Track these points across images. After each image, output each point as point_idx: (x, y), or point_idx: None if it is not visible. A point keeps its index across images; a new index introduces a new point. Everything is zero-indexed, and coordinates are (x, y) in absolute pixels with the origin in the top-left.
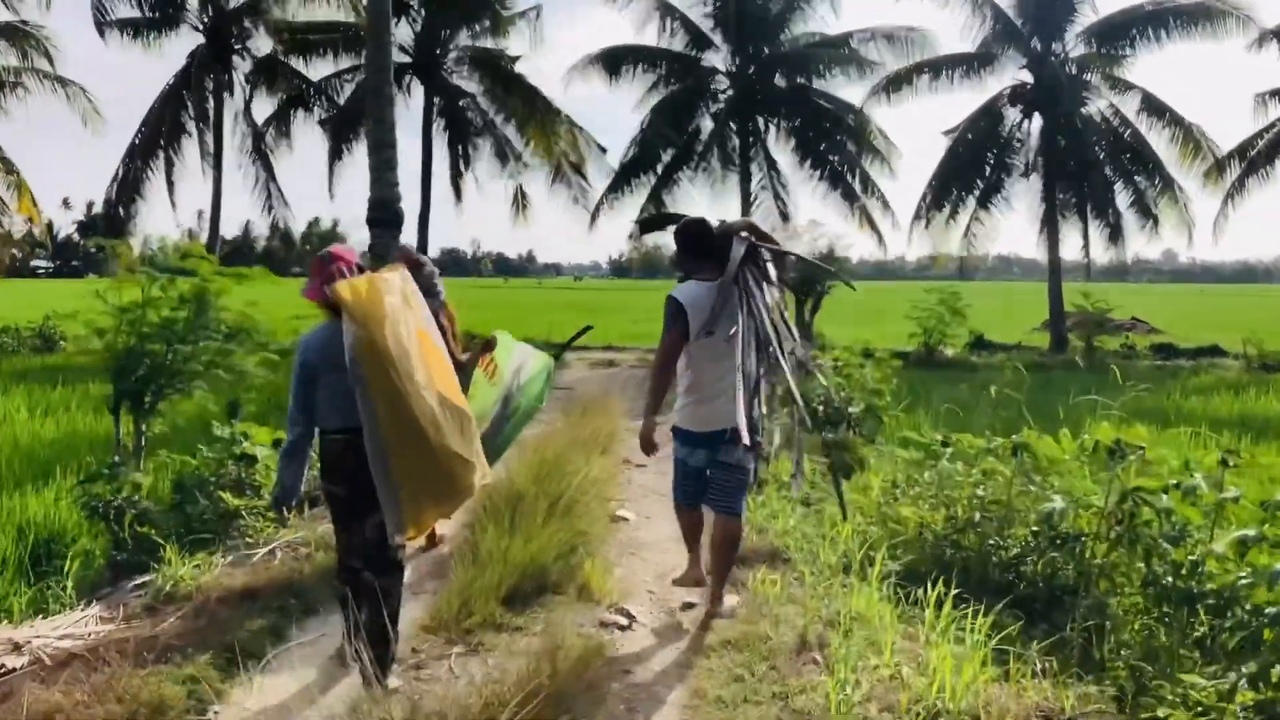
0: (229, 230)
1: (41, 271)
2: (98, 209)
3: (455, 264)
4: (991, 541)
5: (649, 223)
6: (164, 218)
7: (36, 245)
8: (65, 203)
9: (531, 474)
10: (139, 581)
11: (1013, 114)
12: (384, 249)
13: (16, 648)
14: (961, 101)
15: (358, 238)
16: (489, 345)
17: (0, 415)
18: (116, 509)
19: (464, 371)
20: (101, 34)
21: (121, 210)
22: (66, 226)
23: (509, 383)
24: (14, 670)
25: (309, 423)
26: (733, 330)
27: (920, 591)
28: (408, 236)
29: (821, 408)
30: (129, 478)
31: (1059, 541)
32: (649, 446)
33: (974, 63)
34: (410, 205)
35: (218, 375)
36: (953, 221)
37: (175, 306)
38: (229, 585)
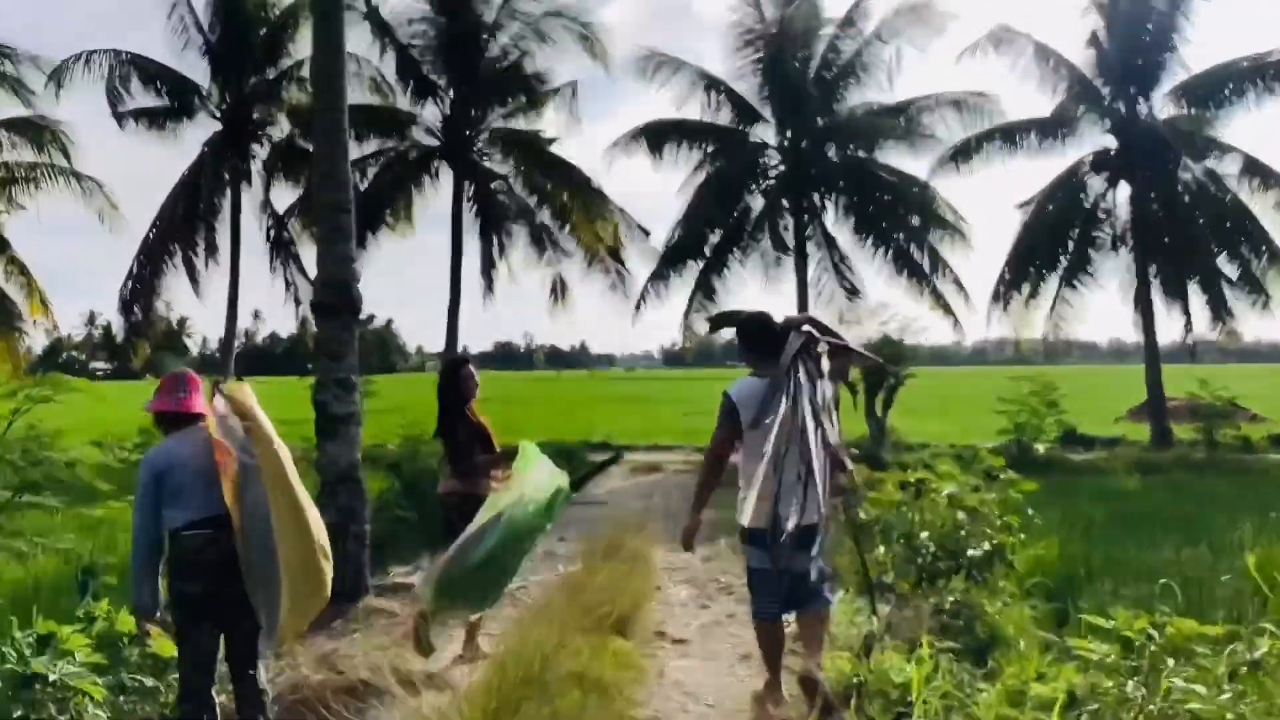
0: (284, 328)
1: (100, 374)
2: (164, 311)
3: (508, 357)
4: None
5: (720, 319)
6: (215, 316)
7: (96, 347)
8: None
9: (493, 694)
10: None
11: (1096, 182)
12: (336, 343)
13: None
14: (1036, 171)
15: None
16: (508, 455)
17: None
18: None
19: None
20: (120, 123)
21: (138, 309)
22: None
23: (508, 498)
24: None
25: (159, 527)
26: (768, 419)
27: None
28: (435, 331)
29: (929, 550)
30: None
31: None
32: (688, 543)
33: (1050, 127)
34: (441, 298)
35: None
36: (1033, 302)
37: None
38: None
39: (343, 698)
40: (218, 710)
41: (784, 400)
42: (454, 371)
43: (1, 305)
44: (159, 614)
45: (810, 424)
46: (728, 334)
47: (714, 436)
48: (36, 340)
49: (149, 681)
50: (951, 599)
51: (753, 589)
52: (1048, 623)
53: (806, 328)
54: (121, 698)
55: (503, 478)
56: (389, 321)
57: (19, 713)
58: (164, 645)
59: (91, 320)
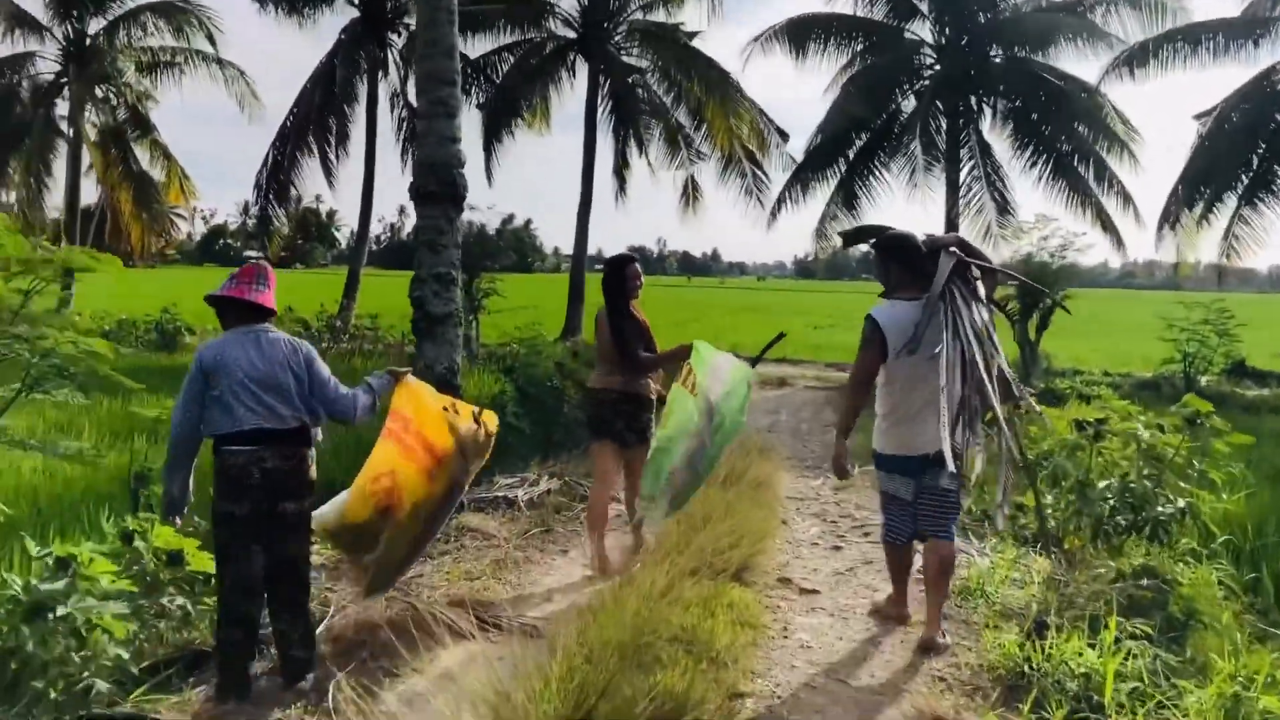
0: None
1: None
2: (308, 202)
3: (642, 261)
4: None
5: (855, 234)
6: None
7: (250, 236)
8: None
9: (581, 663)
10: None
11: None
12: (435, 233)
13: None
14: (1221, 79)
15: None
16: (679, 354)
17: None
18: None
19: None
20: (264, 3)
21: (273, 198)
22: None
23: (709, 396)
24: None
25: (198, 424)
26: (937, 349)
27: None
28: (564, 231)
29: (1108, 502)
30: None
31: None
32: (841, 470)
33: (1241, 29)
34: (570, 199)
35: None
36: (1205, 223)
37: None
38: None
39: (413, 637)
40: (261, 642)
41: (944, 328)
42: (620, 268)
43: (144, 188)
44: (184, 514)
45: (976, 351)
46: (861, 248)
47: (858, 362)
48: (197, 227)
49: (188, 605)
50: (1137, 564)
51: (884, 510)
52: (1240, 593)
53: (954, 249)
54: (162, 623)
55: (686, 378)
56: (528, 221)
57: (29, 648)
58: (200, 560)
59: (246, 209)
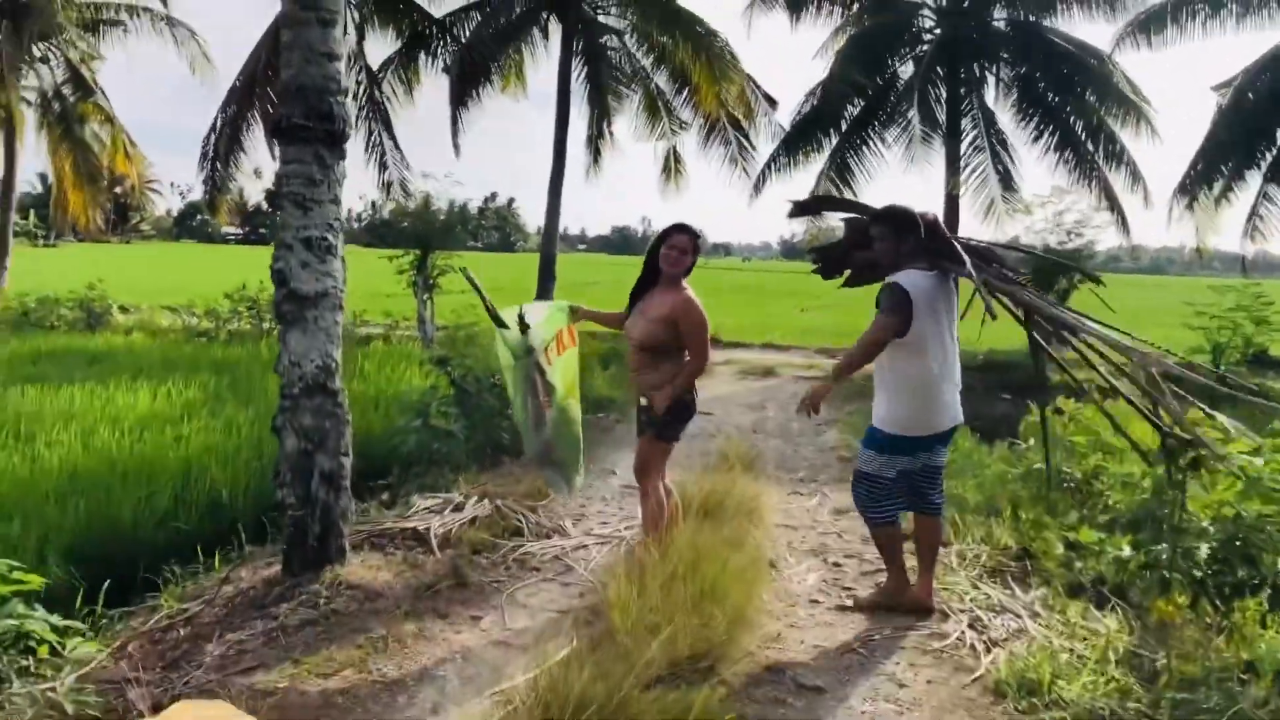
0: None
1: (231, 238)
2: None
3: (624, 241)
4: None
5: (807, 204)
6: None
7: (232, 212)
8: (256, 172)
9: None
10: None
11: None
12: (304, 182)
13: None
14: (1241, 47)
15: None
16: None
17: None
18: None
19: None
20: None
21: (219, 165)
22: (256, 194)
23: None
24: None
25: None
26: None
27: None
28: (534, 207)
29: (1211, 552)
30: None
31: None
32: (814, 406)
33: None
34: (541, 172)
35: None
36: (1226, 201)
37: None
38: None
39: None
40: None
41: (986, 297)
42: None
43: (86, 155)
44: None
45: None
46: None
47: (879, 326)
48: (174, 202)
49: None
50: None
51: (871, 494)
52: None
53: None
54: None
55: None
56: (511, 200)
57: None
58: None
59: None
